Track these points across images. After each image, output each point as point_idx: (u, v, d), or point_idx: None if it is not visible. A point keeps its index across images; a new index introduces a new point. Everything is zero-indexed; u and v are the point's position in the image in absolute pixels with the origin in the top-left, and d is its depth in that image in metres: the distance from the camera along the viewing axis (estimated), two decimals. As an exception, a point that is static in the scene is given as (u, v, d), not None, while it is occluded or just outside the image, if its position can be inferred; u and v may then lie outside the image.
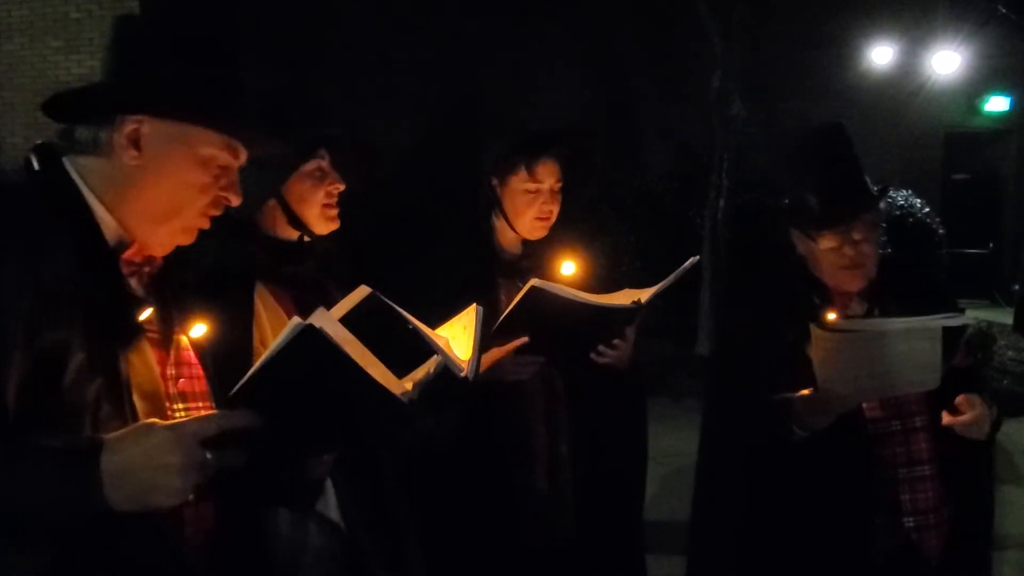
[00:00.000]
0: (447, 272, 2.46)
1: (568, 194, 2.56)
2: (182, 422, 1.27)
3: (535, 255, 2.55)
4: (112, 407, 1.31)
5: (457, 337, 1.84)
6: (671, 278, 2.31)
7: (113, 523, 1.23)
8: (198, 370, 1.52)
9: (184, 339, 1.52)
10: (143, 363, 1.40)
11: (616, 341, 2.38)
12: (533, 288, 2.15)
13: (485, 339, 1.88)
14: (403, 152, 9.91)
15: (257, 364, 1.26)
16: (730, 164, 9.90)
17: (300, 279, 2.07)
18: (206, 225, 1.50)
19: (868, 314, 2.33)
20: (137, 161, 1.41)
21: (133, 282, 1.45)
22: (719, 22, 9.73)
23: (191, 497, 1.29)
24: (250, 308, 1.95)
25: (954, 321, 2.07)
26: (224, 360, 1.59)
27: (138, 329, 1.41)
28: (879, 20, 11.84)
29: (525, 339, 2.27)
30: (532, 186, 2.47)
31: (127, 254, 1.44)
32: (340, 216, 2.13)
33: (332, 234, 2.14)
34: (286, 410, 1.33)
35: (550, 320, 2.21)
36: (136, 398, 1.36)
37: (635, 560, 2.70)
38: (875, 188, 2.33)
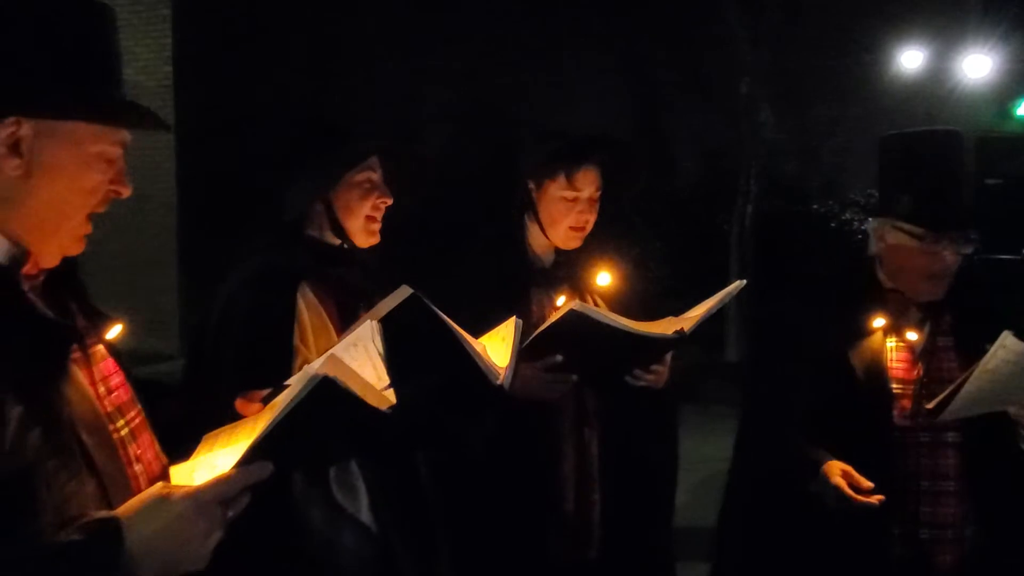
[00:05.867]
0: (478, 281, 2.40)
1: (607, 205, 2.47)
2: (201, 489, 1.19)
3: (570, 264, 2.47)
4: (60, 457, 1.18)
5: (495, 347, 1.86)
6: (715, 305, 2.22)
7: None
8: (120, 377, 1.38)
9: (101, 348, 1.36)
10: (80, 393, 1.25)
11: (654, 366, 2.31)
12: (572, 312, 2.07)
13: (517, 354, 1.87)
14: (432, 160, 9.96)
15: (271, 421, 1.21)
16: (758, 170, 9.87)
17: (344, 283, 2.08)
18: (90, 230, 1.32)
19: (921, 325, 2.29)
20: (20, 169, 1.22)
21: (33, 298, 1.27)
22: (747, 28, 9.71)
23: None
24: (292, 307, 1.96)
25: None
26: (265, 357, 1.59)
27: (66, 358, 1.25)
28: (909, 24, 11.75)
29: (559, 358, 2.19)
30: (570, 194, 2.37)
31: (25, 269, 1.26)
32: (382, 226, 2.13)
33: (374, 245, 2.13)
34: (297, 451, 1.33)
35: (587, 343, 2.14)
36: (83, 435, 1.22)
37: None
38: None
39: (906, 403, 2.25)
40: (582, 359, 2.20)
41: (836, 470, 2.17)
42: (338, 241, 2.10)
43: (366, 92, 8.86)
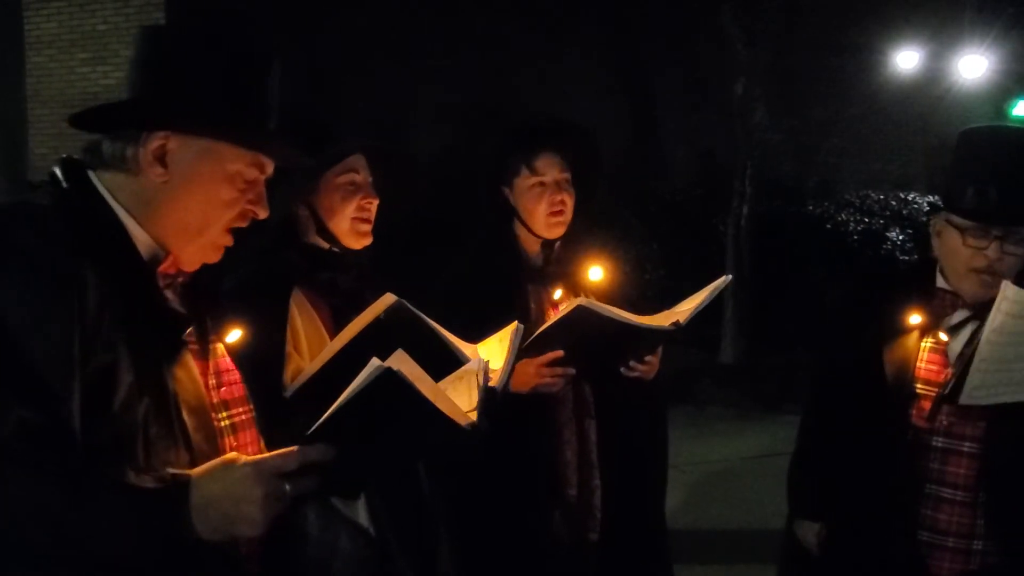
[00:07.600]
0: (474, 283, 2.48)
1: (584, 185, 2.56)
2: (263, 458, 1.31)
3: (562, 261, 2.56)
4: (161, 426, 1.33)
5: (491, 349, 1.88)
6: (707, 297, 2.32)
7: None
8: (235, 375, 1.54)
9: (220, 346, 1.53)
10: (188, 377, 1.41)
11: (647, 357, 2.43)
12: (580, 307, 2.18)
13: (520, 351, 1.91)
14: (426, 161, 9.95)
15: (336, 403, 1.29)
16: (753, 171, 9.87)
17: (337, 287, 2.08)
18: (231, 242, 1.49)
19: (965, 327, 2.25)
20: (164, 178, 1.40)
21: (169, 294, 1.45)
22: (743, 29, 9.70)
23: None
24: (285, 312, 1.97)
25: None
26: (258, 363, 1.61)
27: (182, 344, 1.42)
28: (905, 24, 11.76)
29: (559, 352, 2.30)
30: (536, 179, 2.48)
31: (162, 267, 1.43)
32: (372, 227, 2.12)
33: (366, 246, 2.13)
34: (360, 441, 1.38)
35: (589, 336, 2.25)
36: (184, 413, 1.37)
37: (662, 564, 2.73)
38: None
39: (926, 404, 2.24)
40: (583, 352, 2.33)
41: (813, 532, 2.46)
42: (327, 245, 2.09)
43: (364, 93, 8.84)
